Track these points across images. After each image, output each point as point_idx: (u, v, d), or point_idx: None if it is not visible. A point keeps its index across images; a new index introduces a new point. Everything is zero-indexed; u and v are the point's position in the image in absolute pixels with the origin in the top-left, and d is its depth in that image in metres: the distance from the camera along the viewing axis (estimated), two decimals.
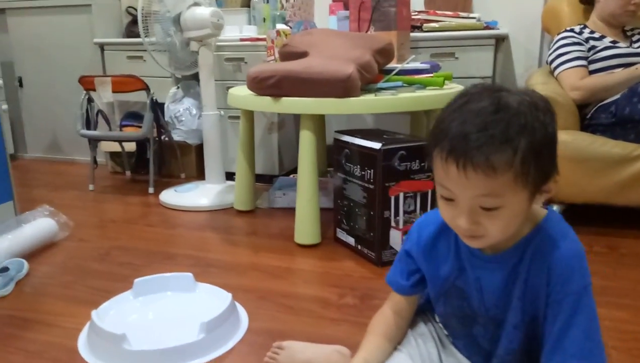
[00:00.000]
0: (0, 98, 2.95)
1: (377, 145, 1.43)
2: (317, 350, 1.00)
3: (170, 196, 2.17)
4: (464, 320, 0.78)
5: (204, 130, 2.19)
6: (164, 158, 2.56)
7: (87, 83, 2.26)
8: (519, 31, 2.28)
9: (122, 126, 2.50)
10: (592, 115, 1.78)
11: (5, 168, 1.76)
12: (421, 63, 1.84)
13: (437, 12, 2.24)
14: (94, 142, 2.40)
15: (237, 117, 2.18)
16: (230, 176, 2.24)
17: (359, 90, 1.55)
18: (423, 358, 0.80)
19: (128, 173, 2.69)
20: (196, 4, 2.09)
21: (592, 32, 1.90)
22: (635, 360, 1.02)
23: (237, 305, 1.26)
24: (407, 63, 1.81)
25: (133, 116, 2.50)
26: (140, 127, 2.30)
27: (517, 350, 0.73)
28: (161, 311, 1.25)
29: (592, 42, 1.86)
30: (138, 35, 2.20)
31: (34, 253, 1.63)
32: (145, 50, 2.29)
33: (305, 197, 1.63)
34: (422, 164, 1.47)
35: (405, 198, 1.48)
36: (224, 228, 1.87)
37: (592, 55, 1.85)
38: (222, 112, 2.20)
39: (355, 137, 1.54)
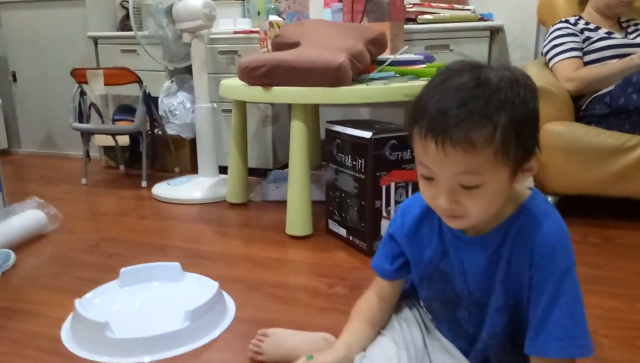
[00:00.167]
0: None
1: (367, 134, 1.42)
2: (302, 337, 0.98)
3: (163, 189, 2.15)
4: (447, 304, 0.76)
5: (197, 123, 2.17)
6: (158, 152, 2.55)
7: (79, 76, 2.24)
8: (514, 23, 2.26)
9: (115, 121, 2.49)
10: (587, 107, 1.77)
11: None
12: (415, 54, 1.83)
13: (432, 4, 2.22)
14: (86, 135, 2.39)
15: (231, 110, 2.17)
16: (224, 170, 2.22)
17: (350, 79, 1.53)
18: (407, 342, 0.78)
19: (122, 168, 2.67)
20: None
21: (587, 23, 1.88)
22: (626, 347, 1.00)
23: (225, 294, 1.25)
24: (400, 54, 1.80)
25: (126, 111, 2.49)
26: (133, 121, 2.28)
27: (500, 333, 0.72)
28: (147, 300, 1.23)
29: (587, 33, 1.84)
30: (132, 29, 2.19)
31: (22, 245, 1.61)
32: (139, 44, 2.28)
33: (297, 188, 1.62)
34: (414, 154, 1.45)
35: (396, 188, 1.47)
36: (216, 221, 1.86)
37: (587, 47, 1.83)
38: (215, 105, 2.18)
39: (347, 127, 1.53)
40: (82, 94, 2.35)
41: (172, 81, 2.54)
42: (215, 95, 2.24)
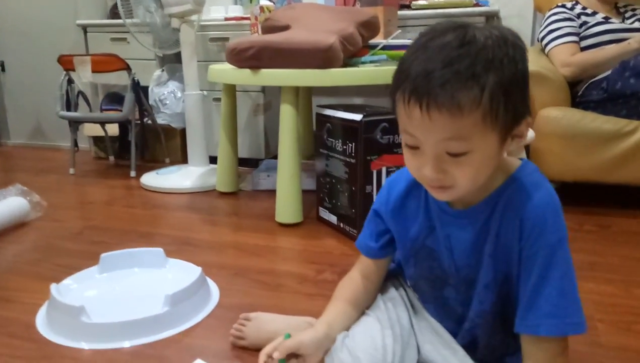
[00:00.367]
0: None
1: (358, 117, 1.37)
2: (285, 321, 0.94)
3: (152, 179, 2.11)
4: (434, 282, 0.72)
5: (186, 111, 2.13)
6: (147, 142, 2.50)
7: (67, 62, 2.19)
8: (510, 10, 2.22)
9: (103, 110, 2.44)
10: (583, 93, 1.73)
11: None
12: (409, 39, 1.79)
13: None
14: (74, 124, 2.34)
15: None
16: (215, 161, 2.18)
17: (341, 61, 1.49)
18: (392, 322, 0.74)
19: (112, 158, 2.62)
20: None
21: (584, 8, 1.84)
22: (621, 332, 0.97)
23: (209, 280, 1.21)
24: (393, 38, 1.76)
25: (116, 100, 2.43)
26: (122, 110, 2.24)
27: (488, 312, 0.68)
28: (127, 286, 1.19)
29: (584, 18, 1.81)
30: (127, 15, 2.14)
31: (3, 232, 1.57)
32: (129, 32, 2.24)
33: (287, 174, 1.57)
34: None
35: (387, 173, 1.43)
36: (205, 209, 1.81)
37: (583, 31, 1.79)
38: (205, 92, 2.14)
39: (338, 110, 1.49)
40: (70, 81, 2.30)
41: (163, 70, 2.49)
42: (205, 83, 2.19)
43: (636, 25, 1.79)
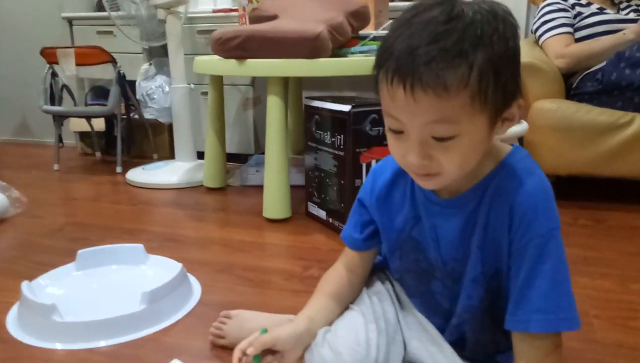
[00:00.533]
0: None
1: (346, 108, 1.33)
2: (268, 318, 0.89)
3: (137, 174, 2.06)
4: (420, 275, 0.68)
5: (173, 104, 2.07)
6: (134, 137, 2.44)
7: (50, 55, 2.14)
8: (504, 2, 2.18)
9: (89, 105, 2.38)
10: (578, 84, 1.69)
11: None
12: None
13: None
14: (58, 119, 2.28)
15: None
16: (203, 156, 2.13)
17: (329, 50, 1.45)
18: (377, 316, 0.70)
19: (98, 154, 2.57)
20: None
21: None
22: (617, 328, 0.93)
23: (191, 277, 1.16)
24: (384, 29, 1.71)
25: (101, 95, 2.38)
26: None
27: (476, 307, 0.64)
28: (105, 283, 1.14)
29: (578, 9, 1.77)
30: (113, 8, 2.09)
31: None
32: (115, 25, 2.18)
33: (274, 168, 1.53)
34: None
35: None
36: (191, 205, 1.77)
37: (578, 22, 1.76)
38: (192, 85, 2.08)
39: (326, 101, 1.44)
40: (54, 75, 2.24)
41: (151, 64, 2.44)
42: (193, 77, 2.14)
43: (631, 16, 1.75)
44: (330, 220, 1.48)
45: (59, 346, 0.93)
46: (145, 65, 2.43)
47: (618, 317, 0.97)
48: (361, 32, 1.67)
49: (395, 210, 0.69)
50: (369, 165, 1.37)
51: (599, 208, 1.61)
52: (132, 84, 2.35)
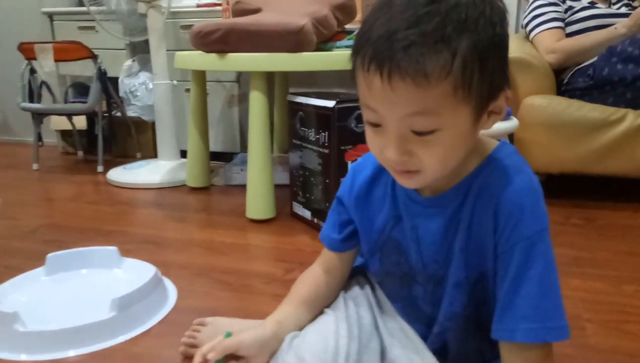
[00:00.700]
0: None
1: (330, 104, 1.28)
2: (245, 325, 0.84)
3: (119, 174, 2.00)
4: (401, 279, 0.64)
5: (155, 101, 2.01)
6: (116, 135, 2.37)
7: (28, 51, 2.07)
8: None
9: (71, 103, 2.31)
10: (569, 80, 1.66)
11: None
12: None
13: None
14: (37, 117, 2.21)
15: None
16: (186, 155, 2.07)
17: (314, 45, 1.40)
18: (350, 321, 0.65)
19: (80, 153, 2.50)
20: None
21: None
22: (611, 332, 0.89)
23: (166, 281, 1.11)
24: None
25: (84, 92, 2.31)
26: None
27: (459, 314, 0.59)
28: (75, 289, 1.08)
29: (569, 3, 1.73)
30: (93, 3, 2.02)
31: None
32: (95, 20, 2.12)
33: (257, 166, 1.48)
34: None
35: None
36: (172, 205, 1.71)
37: (569, 17, 1.72)
38: (175, 82, 2.02)
39: (310, 97, 1.39)
40: (33, 71, 2.17)
41: (134, 60, 2.37)
42: (176, 72, 2.08)
43: (623, 10, 1.72)
44: (315, 220, 1.43)
45: (24, 357, 0.87)
46: (129, 62, 2.36)
47: (612, 320, 0.93)
48: (347, 26, 1.63)
49: (376, 210, 0.64)
50: (359, 159, 1.32)
51: (590, 206, 1.57)
52: (115, 80, 2.28)
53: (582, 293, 1.03)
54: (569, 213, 1.51)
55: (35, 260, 1.25)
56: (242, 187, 1.84)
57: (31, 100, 2.17)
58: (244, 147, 2.28)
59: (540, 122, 1.56)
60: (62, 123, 2.44)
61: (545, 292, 0.52)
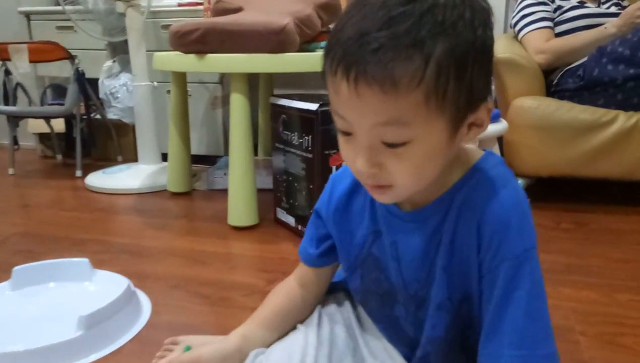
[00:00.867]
0: None
1: (313, 106, 1.23)
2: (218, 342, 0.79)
3: (97, 179, 1.93)
4: (383, 297, 0.59)
5: (135, 104, 1.95)
6: (96, 138, 2.30)
7: (2, 51, 1.98)
8: None
9: (49, 105, 2.24)
10: (559, 81, 1.62)
11: None
12: None
13: None
14: (13, 119, 2.13)
15: None
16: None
17: (296, 45, 1.35)
18: (322, 339, 0.61)
19: (59, 157, 2.42)
20: None
21: None
22: (605, 346, 0.85)
23: (140, 294, 1.05)
24: None
25: (63, 94, 2.23)
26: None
27: (442, 338, 0.55)
28: (42, 304, 1.01)
29: (558, 2, 1.70)
30: (69, 3, 1.95)
31: None
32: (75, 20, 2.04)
33: (239, 172, 1.42)
34: None
35: None
36: (152, 212, 1.65)
37: (558, 17, 1.69)
38: (155, 83, 1.96)
39: (293, 99, 1.34)
40: (7, 73, 2.09)
41: (114, 61, 2.30)
42: (158, 74, 2.02)
43: (612, 9, 1.69)
44: (300, 227, 1.38)
45: None
46: (109, 63, 2.29)
47: (606, 333, 0.89)
48: (332, 26, 1.58)
49: (356, 223, 0.60)
50: (339, 168, 1.28)
51: (581, 210, 1.54)
52: (96, 82, 2.21)
53: (575, 304, 0.99)
54: (560, 217, 1.48)
55: (2, 272, 1.18)
56: (225, 192, 1.77)
57: (6, 103, 2.09)
58: (227, 150, 2.21)
59: (530, 124, 1.52)
60: (40, 126, 2.36)
61: (533, 315, 0.48)
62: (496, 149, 1.55)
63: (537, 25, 1.66)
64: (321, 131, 1.23)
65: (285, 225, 1.46)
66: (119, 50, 2.31)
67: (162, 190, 1.84)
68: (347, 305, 0.67)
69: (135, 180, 1.87)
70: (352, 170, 0.49)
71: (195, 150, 2.11)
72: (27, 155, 2.46)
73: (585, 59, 1.55)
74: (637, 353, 0.83)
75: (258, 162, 1.85)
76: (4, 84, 2.08)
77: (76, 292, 1.06)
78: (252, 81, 1.81)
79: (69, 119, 2.21)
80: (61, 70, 2.19)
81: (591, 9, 1.68)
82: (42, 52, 1.96)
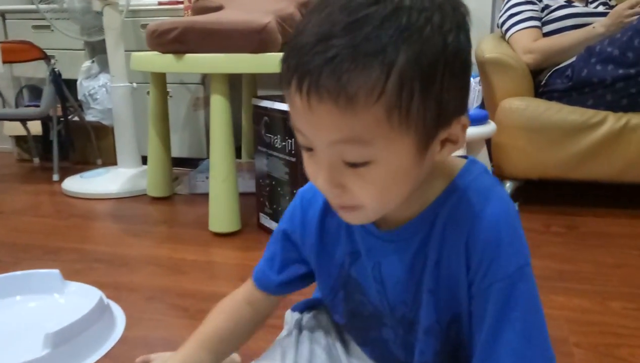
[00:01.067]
0: None
1: None
2: None
3: (74, 183, 1.86)
4: (369, 319, 0.54)
5: (113, 105, 1.88)
6: (73, 141, 2.22)
7: None
8: None
9: (26, 107, 2.16)
10: (547, 81, 1.60)
11: None
12: None
13: None
14: None
15: None
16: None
17: (279, 44, 1.30)
18: (299, 358, 0.57)
19: (36, 160, 2.34)
20: None
21: None
22: (601, 358, 0.82)
23: (114, 307, 0.99)
24: None
25: (40, 95, 2.16)
26: None
27: None
28: (7, 319, 0.95)
29: (546, 1, 1.68)
30: (44, 1, 1.88)
31: None
32: (52, 19, 1.97)
33: (219, 176, 1.37)
34: None
35: None
36: (130, 218, 1.58)
37: (546, 16, 1.66)
38: (134, 84, 1.89)
39: (276, 101, 1.29)
40: None
41: (93, 61, 2.23)
42: (137, 74, 1.95)
43: (600, 9, 1.67)
44: None
45: None
46: (88, 63, 2.21)
47: (601, 343, 0.85)
48: None
49: (332, 243, 0.55)
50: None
51: (571, 213, 1.51)
52: (74, 82, 2.14)
53: (568, 312, 0.95)
54: (550, 220, 1.45)
55: None
56: (207, 196, 1.73)
57: None
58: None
59: (518, 126, 1.49)
60: (16, 128, 2.28)
61: (530, 338, 0.44)
62: (484, 152, 1.52)
63: (524, 24, 1.64)
64: None
65: (268, 231, 1.41)
66: (98, 50, 2.24)
67: (142, 195, 1.78)
68: (329, 326, 0.62)
69: (114, 185, 1.80)
70: (317, 188, 0.44)
71: (177, 152, 2.05)
72: (4, 158, 2.38)
73: (573, 59, 1.53)
74: None
75: (241, 165, 1.80)
76: None
77: (44, 305, 1.00)
78: (235, 82, 1.76)
79: (46, 121, 2.13)
80: (37, 70, 2.11)
81: (579, 8, 1.66)
82: (16, 52, 1.89)
